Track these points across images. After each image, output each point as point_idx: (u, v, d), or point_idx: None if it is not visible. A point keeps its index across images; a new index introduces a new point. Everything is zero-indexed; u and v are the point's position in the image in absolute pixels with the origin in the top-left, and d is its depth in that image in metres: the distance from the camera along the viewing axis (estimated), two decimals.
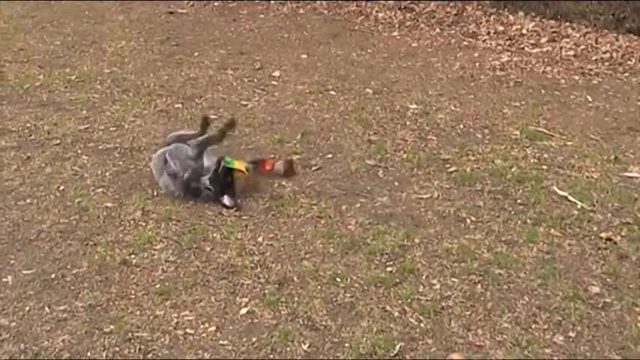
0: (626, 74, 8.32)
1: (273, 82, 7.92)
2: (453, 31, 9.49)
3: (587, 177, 6.06)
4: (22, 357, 4.23)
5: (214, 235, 5.29)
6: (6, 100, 7.44)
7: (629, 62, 8.66)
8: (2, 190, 5.86)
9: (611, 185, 5.92)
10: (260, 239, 5.24)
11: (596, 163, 6.26)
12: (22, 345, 4.32)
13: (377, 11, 10.20)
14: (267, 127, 6.88)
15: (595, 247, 5.18)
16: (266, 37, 9.33)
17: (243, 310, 4.57)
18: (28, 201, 5.73)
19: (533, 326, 4.45)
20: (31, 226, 5.41)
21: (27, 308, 4.60)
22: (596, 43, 9.14)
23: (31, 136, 6.70)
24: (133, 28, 9.53)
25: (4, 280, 4.86)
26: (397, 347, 4.26)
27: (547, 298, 4.67)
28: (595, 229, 5.36)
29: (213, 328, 4.44)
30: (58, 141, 6.59)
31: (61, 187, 5.89)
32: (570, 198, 5.74)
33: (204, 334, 4.40)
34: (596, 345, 4.34)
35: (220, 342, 4.34)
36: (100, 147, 6.51)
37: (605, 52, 9.00)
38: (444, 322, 4.47)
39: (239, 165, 5.75)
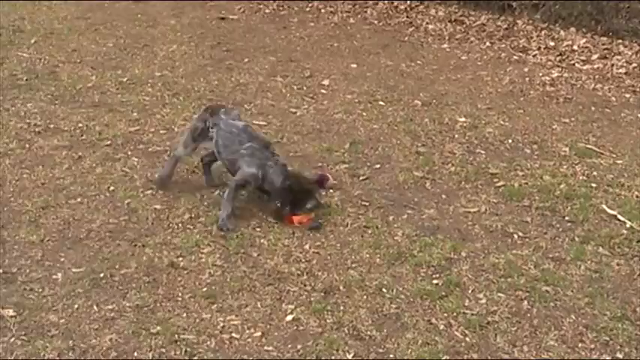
0: None
1: (322, 91, 7.97)
2: (504, 45, 9.46)
3: (637, 196, 6.01)
4: (70, 354, 4.30)
5: (261, 240, 5.33)
6: (59, 99, 7.57)
7: None
8: (54, 188, 5.96)
9: None
10: (307, 247, 5.27)
11: None
12: (70, 342, 4.39)
13: (427, 23, 10.21)
14: (315, 135, 6.91)
15: None
16: (316, 46, 9.38)
17: (289, 317, 4.60)
18: (79, 200, 5.82)
19: (580, 345, 4.42)
20: (81, 225, 5.50)
21: (76, 306, 4.68)
22: None
23: (82, 136, 6.80)
24: (184, 32, 9.64)
25: (54, 277, 4.95)
26: None
27: (594, 317, 4.64)
28: None
29: (258, 334, 4.47)
30: (108, 142, 6.69)
31: (111, 188, 5.97)
32: (619, 217, 5.69)
33: (249, 339, 4.43)
34: None
35: (265, 348, 4.37)
36: (150, 149, 6.59)
37: None
38: (490, 337, 4.46)
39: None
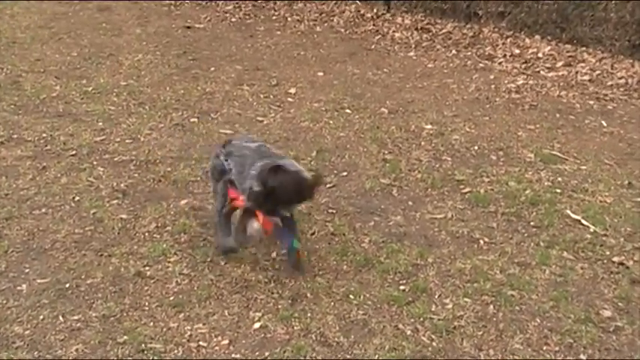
0: None
1: (289, 99, 8.03)
2: (469, 53, 9.58)
3: (601, 201, 6.13)
4: None
5: None
6: (22, 109, 7.56)
7: None
8: (18, 199, 5.96)
9: (624, 210, 5.98)
10: (274, 255, 5.31)
11: (609, 187, 6.33)
12: (35, 353, 4.40)
13: (394, 31, 10.31)
14: (282, 143, 6.96)
15: (607, 271, 5.25)
16: (282, 54, 9.44)
17: (257, 325, 4.65)
18: (44, 210, 5.82)
19: (545, 348, 4.52)
20: (45, 236, 5.50)
21: (41, 317, 4.69)
22: (612, 69, 9.21)
23: (46, 146, 6.80)
24: (150, 41, 9.66)
25: (18, 288, 4.95)
26: None
27: (559, 320, 4.74)
28: (607, 253, 5.43)
29: (226, 342, 4.52)
30: (73, 152, 6.70)
31: (77, 198, 5.98)
32: (583, 222, 5.81)
33: (217, 347, 4.47)
34: None
35: (233, 355, 4.42)
36: (115, 159, 6.61)
37: (620, 78, 9.07)
38: (456, 341, 4.54)
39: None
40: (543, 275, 5.17)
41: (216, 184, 5.39)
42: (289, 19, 10.78)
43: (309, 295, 4.91)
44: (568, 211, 5.94)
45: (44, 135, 6.99)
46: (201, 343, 4.50)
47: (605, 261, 5.35)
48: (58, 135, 7.00)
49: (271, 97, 8.08)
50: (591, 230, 5.71)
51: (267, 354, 4.41)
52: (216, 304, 4.82)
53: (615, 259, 5.38)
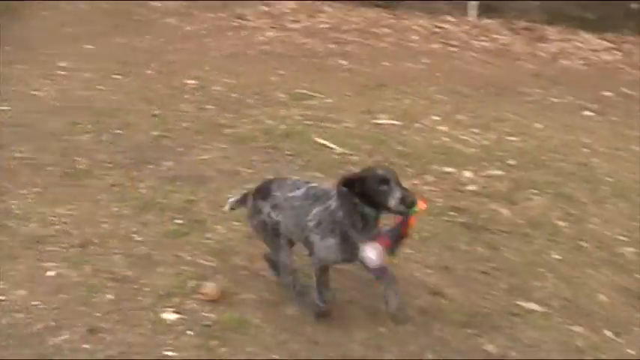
0: (373, 40, 8.97)
1: (62, 72, 7.91)
2: (223, 15, 9.79)
3: (345, 127, 6.59)
4: None
5: (17, 211, 5.28)
6: None
7: (375, 31, 9.34)
8: None
9: (364, 132, 6.47)
10: (60, 211, 5.28)
11: (351, 115, 6.80)
12: None
13: (153, 0, 10.33)
14: (59, 112, 6.88)
15: None
16: (51, 33, 9.23)
17: (51, 273, 4.62)
18: None
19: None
20: None
21: None
22: (348, 16, 9.76)
23: None
24: None
25: None
26: (190, 285, 4.52)
27: None
28: (353, 168, 5.87)
29: (24, 292, 4.45)
30: None
31: None
32: (331, 145, 6.23)
33: (15, 299, 4.41)
34: None
35: (32, 302, 4.38)
36: None
37: (356, 24, 9.63)
38: (229, 259, 4.77)
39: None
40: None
41: (275, 239, 4.38)
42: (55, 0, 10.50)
43: (96, 240, 4.94)
44: (317, 139, 6.34)
45: None
46: (0, 297, 4.45)
47: None
48: None
49: (43, 72, 7.91)
50: (338, 152, 6.14)
51: (63, 296, 4.43)
52: (9, 262, 4.72)
53: None
